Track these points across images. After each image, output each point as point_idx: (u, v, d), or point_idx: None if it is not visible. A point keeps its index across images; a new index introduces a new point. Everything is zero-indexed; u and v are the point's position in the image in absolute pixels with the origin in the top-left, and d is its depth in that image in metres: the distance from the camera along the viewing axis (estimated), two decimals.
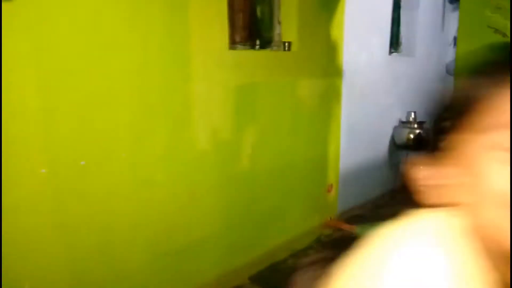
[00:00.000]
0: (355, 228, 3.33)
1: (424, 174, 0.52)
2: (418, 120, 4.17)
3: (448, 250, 0.44)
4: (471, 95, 0.48)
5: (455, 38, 4.72)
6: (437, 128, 0.53)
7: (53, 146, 1.71)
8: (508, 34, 2.09)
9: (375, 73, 3.73)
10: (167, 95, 2.09)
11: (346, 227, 3.38)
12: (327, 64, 3.08)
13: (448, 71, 4.71)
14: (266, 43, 2.74)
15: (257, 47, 2.68)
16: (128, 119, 1.90)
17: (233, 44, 2.49)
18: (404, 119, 4.21)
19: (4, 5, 1.44)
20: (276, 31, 2.79)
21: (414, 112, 4.16)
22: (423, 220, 0.49)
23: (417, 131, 4.10)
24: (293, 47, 2.76)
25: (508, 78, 0.45)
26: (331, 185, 3.43)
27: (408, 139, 4.09)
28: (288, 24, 2.77)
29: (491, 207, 0.43)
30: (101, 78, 1.79)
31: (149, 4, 1.87)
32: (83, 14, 1.69)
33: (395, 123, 4.23)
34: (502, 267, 0.46)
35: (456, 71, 2.15)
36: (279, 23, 2.78)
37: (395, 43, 4.23)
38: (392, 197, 4.21)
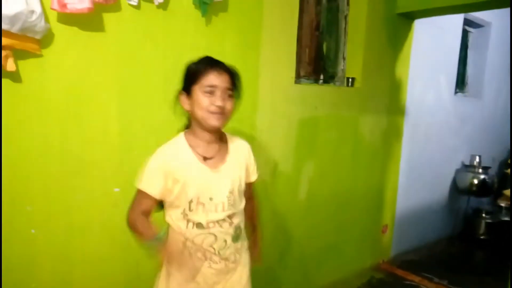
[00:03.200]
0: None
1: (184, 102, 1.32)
2: (482, 165, 3.97)
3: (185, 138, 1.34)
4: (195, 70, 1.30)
5: None
6: None
7: (126, 167, 1.80)
8: None
9: (439, 113, 3.65)
10: (236, 125, 2.14)
11: (399, 272, 3.21)
12: (390, 101, 3.06)
13: None
14: (330, 78, 2.77)
15: (321, 81, 2.71)
16: None
17: (298, 78, 2.54)
18: (467, 163, 4.03)
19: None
20: (341, 66, 2.82)
21: (479, 156, 3.98)
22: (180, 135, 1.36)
23: (481, 176, 3.92)
24: (357, 83, 2.77)
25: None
26: (386, 226, 3.32)
27: (471, 184, 3.92)
28: (353, 60, 2.81)
29: (200, 110, 1.27)
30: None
31: (224, 39, 2.00)
32: (164, 54, 1.84)
33: (458, 166, 4.06)
34: (203, 135, 1.32)
35: None
36: (344, 59, 2.81)
37: (461, 84, 4.11)
38: (449, 244, 3.98)
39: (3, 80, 1.45)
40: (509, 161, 4.63)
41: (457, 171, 4.04)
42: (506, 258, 2.16)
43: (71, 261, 1.71)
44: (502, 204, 4.16)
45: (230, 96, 1.29)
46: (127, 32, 1.71)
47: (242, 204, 1.39)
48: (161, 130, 1.88)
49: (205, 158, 1.30)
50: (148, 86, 1.82)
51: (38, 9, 1.39)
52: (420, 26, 3.18)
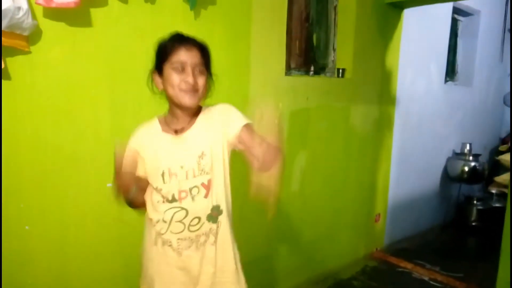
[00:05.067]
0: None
1: (158, 81, 1.29)
2: (473, 153, 4.02)
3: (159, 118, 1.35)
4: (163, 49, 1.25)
5: None
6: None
7: None
8: None
9: (430, 102, 3.69)
10: None
11: (392, 260, 3.26)
12: (380, 91, 3.09)
13: (506, 102, 4.51)
14: (320, 69, 2.79)
15: (312, 73, 2.72)
16: None
17: (288, 70, 2.55)
18: (458, 151, 4.07)
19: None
20: (331, 57, 2.83)
21: (470, 144, 4.03)
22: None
23: (472, 163, 3.97)
24: (347, 74, 2.79)
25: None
26: (379, 215, 3.36)
27: (462, 171, 3.97)
28: (343, 51, 2.82)
29: (171, 89, 1.23)
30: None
31: (213, 33, 1.99)
32: (153, 47, 1.82)
33: (449, 154, 4.10)
34: (177, 113, 1.29)
35: None
36: (334, 50, 2.83)
37: (450, 72, 4.15)
38: (442, 231, 4.05)
39: None
40: (500, 149, 4.69)
41: (448, 159, 4.09)
42: (497, 244, 2.20)
43: (66, 256, 1.72)
44: (493, 191, 4.23)
45: (202, 72, 1.23)
46: (115, 27, 1.71)
47: (225, 172, 1.29)
48: None
49: (175, 131, 1.28)
50: (138, 80, 1.81)
51: (24, 5, 1.38)
52: (410, 15, 3.19)
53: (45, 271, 1.67)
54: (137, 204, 1.34)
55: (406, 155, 3.51)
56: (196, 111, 1.30)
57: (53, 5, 1.45)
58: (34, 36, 1.50)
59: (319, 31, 2.81)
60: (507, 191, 2.26)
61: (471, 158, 3.98)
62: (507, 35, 4.54)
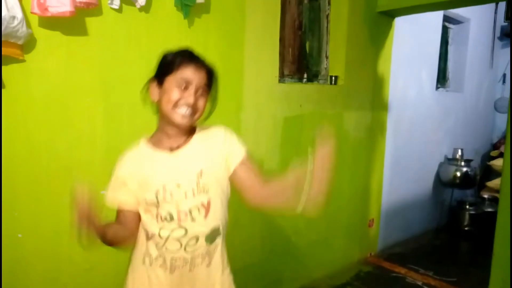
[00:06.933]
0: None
1: (154, 91, 1.21)
2: (465, 158, 4.07)
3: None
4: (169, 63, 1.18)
5: (504, 75, 4.63)
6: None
7: (113, 169, 1.81)
8: None
9: (421, 108, 3.74)
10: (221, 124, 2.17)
11: (386, 265, 3.28)
12: (373, 98, 3.12)
13: (496, 108, 4.58)
14: (313, 77, 2.81)
15: (305, 80, 2.74)
16: None
17: (282, 77, 2.57)
18: (450, 156, 4.12)
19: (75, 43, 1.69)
20: (324, 65, 2.86)
21: (461, 149, 4.08)
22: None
23: (464, 169, 4.01)
24: (340, 81, 2.82)
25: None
26: (372, 220, 3.38)
27: (454, 176, 4.01)
28: (335, 58, 2.86)
29: (167, 104, 1.14)
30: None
31: (208, 41, 2.01)
32: (148, 56, 1.84)
33: (441, 159, 4.14)
34: (169, 131, 1.21)
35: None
36: (327, 57, 2.86)
37: (442, 78, 4.20)
38: (435, 236, 4.07)
39: None
40: (491, 154, 4.74)
41: (441, 164, 4.13)
42: (490, 248, 2.23)
43: (60, 264, 1.72)
44: (485, 196, 4.27)
45: (204, 93, 1.17)
46: (110, 36, 1.73)
47: (222, 195, 1.24)
48: (147, 131, 1.89)
49: (170, 149, 1.20)
50: (132, 88, 1.83)
51: (19, 14, 1.39)
52: (401, 23, 3.24)
53: (38, 279, 1.66)
54: (118, 240, 1.22)
55: (398, 160, 3.55)
56: (189, 130, 1.23)
57: (48, 14, 1.46)
58: (28, 44, 1.51)
59: (311, 39, 2.85)
60: (498, 196, 2.29)
61: (463, 163, 4.03)
62: (497, 42, 4.62)
